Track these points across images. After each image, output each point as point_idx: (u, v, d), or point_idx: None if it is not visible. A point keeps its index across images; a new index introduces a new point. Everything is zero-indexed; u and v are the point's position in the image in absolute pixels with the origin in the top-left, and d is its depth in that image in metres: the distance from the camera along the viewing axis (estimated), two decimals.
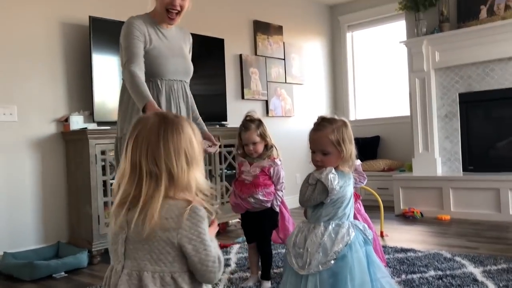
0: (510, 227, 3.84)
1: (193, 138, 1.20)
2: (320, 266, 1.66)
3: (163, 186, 1.14)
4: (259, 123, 2.51)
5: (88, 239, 3.36)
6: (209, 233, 1.17)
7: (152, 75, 2.17)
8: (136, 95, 1.99)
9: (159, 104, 2.12)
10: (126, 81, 2.04)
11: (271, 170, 2.49)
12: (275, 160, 2.52)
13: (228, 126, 4.51)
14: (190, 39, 2.48)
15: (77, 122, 3.52)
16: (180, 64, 2.29)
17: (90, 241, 3.33)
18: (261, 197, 2.47)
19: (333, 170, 1.73)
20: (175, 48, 2.31)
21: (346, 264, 1.65)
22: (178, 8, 2.24)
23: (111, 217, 1.21)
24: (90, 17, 3.58)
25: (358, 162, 2.40)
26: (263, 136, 2.50)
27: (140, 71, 2.05)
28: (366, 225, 1.81)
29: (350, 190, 1.78)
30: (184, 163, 1.16)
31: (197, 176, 1.19)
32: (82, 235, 3.45)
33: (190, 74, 2.37)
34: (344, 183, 1.74)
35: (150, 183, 1.14)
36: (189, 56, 2.41)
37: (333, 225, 1.72)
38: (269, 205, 2.51)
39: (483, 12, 4.48)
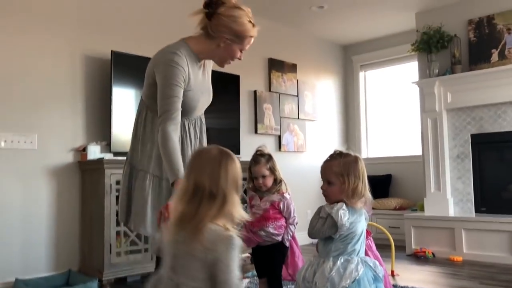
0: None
1: (241, 172, 1.41)
2: None
3: (216, 208, 1.30)
4: (269, 157, 2.56)
5: (99, 268, 3.38)
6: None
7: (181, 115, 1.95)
8: (168, 164, 1.80)
9: (183, 148, 1.98)
10: (160, 140, 1.84)
11: (281, 205, 2.52)
12: (284, 194, 2.55)
13: (241, 159, 4.56)
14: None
15: (94, 152, 3.60)
16: (206, 102, 2.13)
17: (101, 270, 3.35)
18: (271, 230, 2.49)
19: (344, 206, 1.75)
20: (205, 84, 2.10)
21: None
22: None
23: (167, 230, 1.36)
24: (112, 51, 3.73)
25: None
26: (272, 170, 2.54)
27: (175, 132, 1.85)
28: (377, 262, 1.82)
29: (361, 227, 1.80)
30: (234, 191, 1.35)
31: (238, 205, 1.36)
32: (93, 264, 3.47)
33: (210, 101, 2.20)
34: (355, 219, 1.77)
35: (207, 203, 1.31)
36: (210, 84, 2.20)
37: (342, 260, 1.74)
38: (279, 238, 2.52)
39: (495, 56, 4.56)
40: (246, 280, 3.50)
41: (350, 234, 1.76)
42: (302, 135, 5.66)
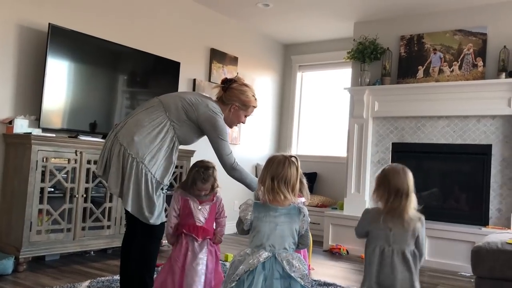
0: (425, 267, 4.16)
1: None
2: None
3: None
4: (213, 170, 2.63)
5: (17, 245, 3.30)
6: None
7: (182, 142, 2.54)
8: (250, 186, 2.55)
9: (170, 157, 2.47)
10: (241, 171, 2.52)
11: (217, 204, 2.69)
12: (217, 195, 2.71)
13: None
14: None
15: (21, 125, 3.48)
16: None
17: (19, 248, 3.27)
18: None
19: (249, 201, 1.95)
20: None
21: None
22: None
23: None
24: (49, 24, 3.61)
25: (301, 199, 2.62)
26: (215, 181, 2.66)
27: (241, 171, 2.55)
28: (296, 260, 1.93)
29: (267, 222, 1.90)
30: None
31: None
32: (10, 241, 3.37)
33: None
34: (259, 214, 1.91)
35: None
36: None
37: (247, 251, 1.90)
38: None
39: (420, 72, 4.93)
40: None
41: (254, 228, 1.91)
42: (237, 128, 5.77)
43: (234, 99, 2.58)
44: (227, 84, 2.60)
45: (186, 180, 2.66)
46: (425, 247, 2.08)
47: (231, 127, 2.72)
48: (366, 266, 2.03)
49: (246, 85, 2.63)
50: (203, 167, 2.60)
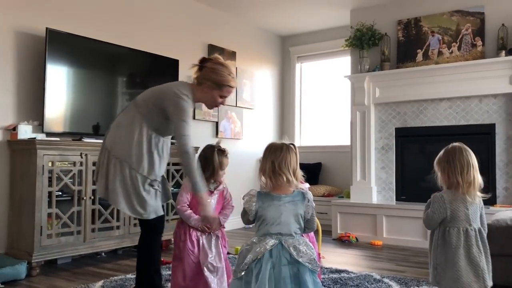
0: None
1: None
2: None
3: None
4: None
5: (29, 250, 3.32)
6: None
7: (160, 133, 2.51)
8: (195, 179, 2.34)
9: (151, 151, 2.47)
10: (191, 158, 2.36)
11: (224, 192, 2.68)
12: (223, 184, 2.69)
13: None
14: None
15: (25, 131, 3.50)
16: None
17: (31, 253, 3.29)
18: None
19: (252, 191, 1.93)
20: None
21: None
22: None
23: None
24: (47, 28, 3.61)
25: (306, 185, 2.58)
26: None
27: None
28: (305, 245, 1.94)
29: (271, 211, 1.89)
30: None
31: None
32: (22, 247, 3.39)
33: None
34: (263, 203, 1.91)
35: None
36: None
37: (254, 240, 1.90)
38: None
39: (419, 56, 4.92)
40: None
41: (260, 218, 1.91)
42: (239, 123, 5.77)
43: (207, 79, 2.48)
44: (202, 64, 2.51)
45: (211, 166, 2.56)
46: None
47: (210, 108, 2.66)
48: (447, 252, 2.03)
49: (221, 64, 2.52)
50: (216, 147, 2.60)
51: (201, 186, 2.35)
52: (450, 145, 2.16)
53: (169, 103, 2.41)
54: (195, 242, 2.51)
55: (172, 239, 4.41)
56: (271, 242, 1.85)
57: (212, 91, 2.49)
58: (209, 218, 2.41)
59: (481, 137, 4.61)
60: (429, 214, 2.11)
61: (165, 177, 2.74)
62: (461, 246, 2.02)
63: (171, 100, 2.41)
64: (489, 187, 4.59)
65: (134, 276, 3.18)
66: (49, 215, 3.40)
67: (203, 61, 2.53)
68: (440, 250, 2.06)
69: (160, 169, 2.51)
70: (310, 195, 1.97)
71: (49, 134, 3.60)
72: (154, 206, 2.46)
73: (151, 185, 2.46)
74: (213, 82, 2.48)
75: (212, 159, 2.56)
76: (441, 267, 2.04)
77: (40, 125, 3.61)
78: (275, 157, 1.91)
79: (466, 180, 2.05)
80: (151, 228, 2.51)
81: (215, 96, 2.52)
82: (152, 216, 2.45)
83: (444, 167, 2.11)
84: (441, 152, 2.17)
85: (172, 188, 4.29)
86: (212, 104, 2.58)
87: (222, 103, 2.58)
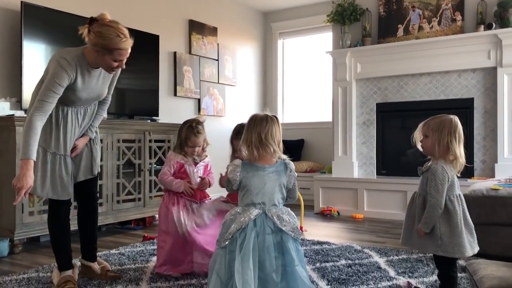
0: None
1: None
2: None
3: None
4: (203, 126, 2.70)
5: (10, 228, 3.30)
6: None
7: (64, 103, 2.35)
8: (24, 144, 2.14)
9: (58, 125, 2.37)
10: (25, 123, 2.17)
11: (209, 167, 2.78)
12: (207, 157, 2.80)
13: (160, 121, 4.59)
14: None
15: (3, 108, 3.43)
16: (92, 100, 2.47)
17: (12, 230, 3.27)
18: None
19: (237, 161, 1.96)
20: (97, 87, 2.44)
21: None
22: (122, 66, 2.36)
23: None
24: (22, 2, 3.52)
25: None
26: (205, 138, 2.74)
27: (41, 122, 2.19)
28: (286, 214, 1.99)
29: (255, 181, 1.93)
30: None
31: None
32: (3, 224, 3.37)
33: (101, 98, 2.55)
34: (247, 173, 1.93)
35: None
36: (107, 84, 2.52)
37: (238, 210, 1.95)
38: None
39: (400, 31, 4.94)
40: None
41: (244, 187, 1.94)
42: (222, 100, 5.76)
43: (94, 44, 2.22)
44: (89, 26, 2.24)
45: (178, 140, 2.68)
46: None
47: (109, 71, 2.39)
48: (450, 219, 2.05)
49: (107, 25, 2.23)
50: (195, 122, 2.65)
51: (24, 151, 2.12)
52: (447, 116, 2.15)
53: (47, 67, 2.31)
54: (185, 209, 2.57)
55: (157, 216, 4.43)
56: (255, 212, 1.89)
57: (103, 57, 2.25)
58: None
59: (460, 111, 4.64)
60: (439, 188, 2.06)
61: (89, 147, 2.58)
62: (461, 211, 2.08)
63: (48, 64, 2.30)
64: (467, 160, 4.69)
65: (118, 251, 3.20)
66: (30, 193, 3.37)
67: (90, 22, 2.25)
68: (442, 219, 2.07)
69: (65, 142, 2.40)
70: (292, 165, 2.00)
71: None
72: (44, 180, 2.37)
73: (49, 157, 2.37)
74: (101, 47, 2.22)
75: (180, 134, 2.66)
76: (446, 236, 2.04)
77: (18, 102, 3.55)
78: (261, 128, 1.93)
79: (461, 152, 2.12)
80: (49, 210, 2.61)
81: (108, 61, 2.27)
82: (39, 192, 2.40)
83: (443, 137, 2.10)
84: (435, 121, 2.15)
85: (155, 165, 4.28)
86: (108, 69, 2.35)
87: (120, 66, 2.33)
